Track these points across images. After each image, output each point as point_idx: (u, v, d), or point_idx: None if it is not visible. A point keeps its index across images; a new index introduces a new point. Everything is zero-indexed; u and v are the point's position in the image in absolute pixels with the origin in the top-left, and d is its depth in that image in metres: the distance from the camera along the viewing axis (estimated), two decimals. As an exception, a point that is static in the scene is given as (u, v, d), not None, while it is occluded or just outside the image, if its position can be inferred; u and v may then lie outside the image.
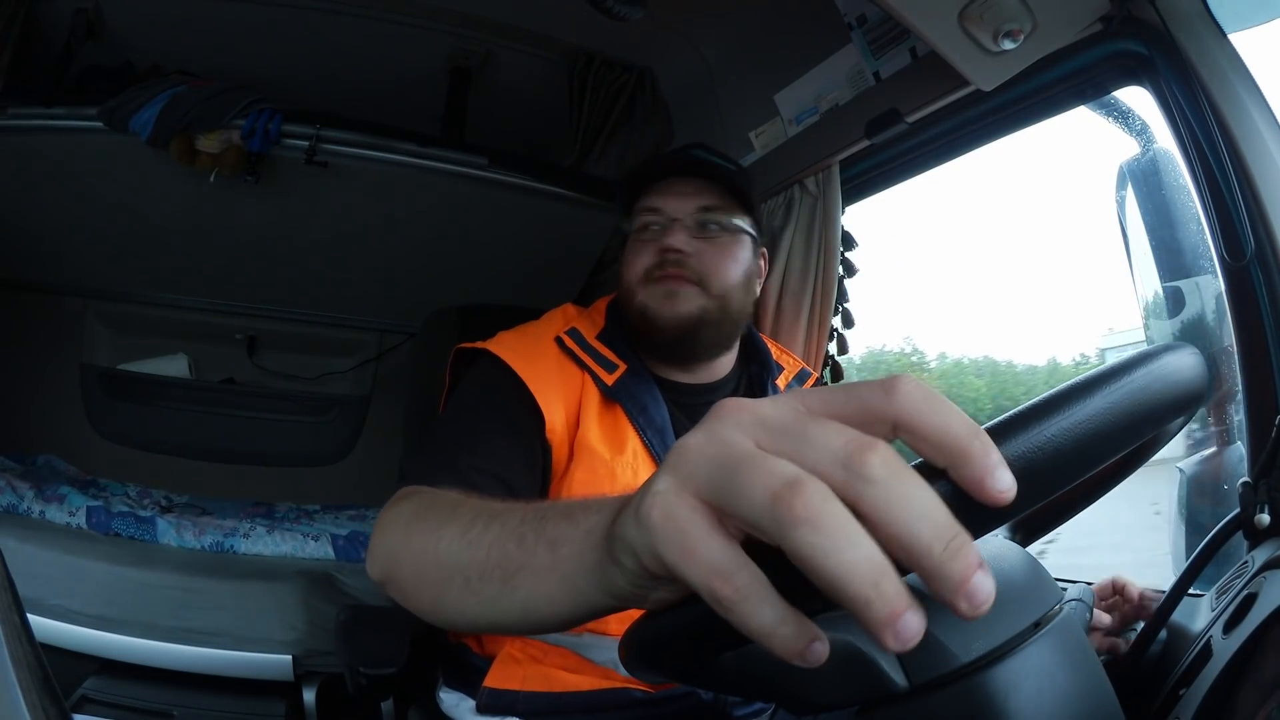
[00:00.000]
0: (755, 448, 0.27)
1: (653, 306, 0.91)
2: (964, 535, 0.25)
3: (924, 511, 0.25)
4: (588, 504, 0.39)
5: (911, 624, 0.24)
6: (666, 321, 0.90)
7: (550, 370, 0.88)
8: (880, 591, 0.24)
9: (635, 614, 0.37)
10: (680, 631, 0.35)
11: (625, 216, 0.98)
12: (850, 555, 0.24)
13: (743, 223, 0.95)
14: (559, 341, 0.92)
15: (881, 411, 0.28)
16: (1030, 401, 0.34)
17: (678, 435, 0.89)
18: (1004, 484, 0.27)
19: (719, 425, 0.29)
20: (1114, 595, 0.79)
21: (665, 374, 0.95)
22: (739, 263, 0.94)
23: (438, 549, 0.51)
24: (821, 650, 0.27)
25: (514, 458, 0.81)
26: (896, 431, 0.28)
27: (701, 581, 0.27)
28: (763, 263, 1.01)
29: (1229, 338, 0.83)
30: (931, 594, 0.25)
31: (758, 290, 1.00)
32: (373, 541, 0.64)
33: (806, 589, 0.26)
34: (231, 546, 1.70)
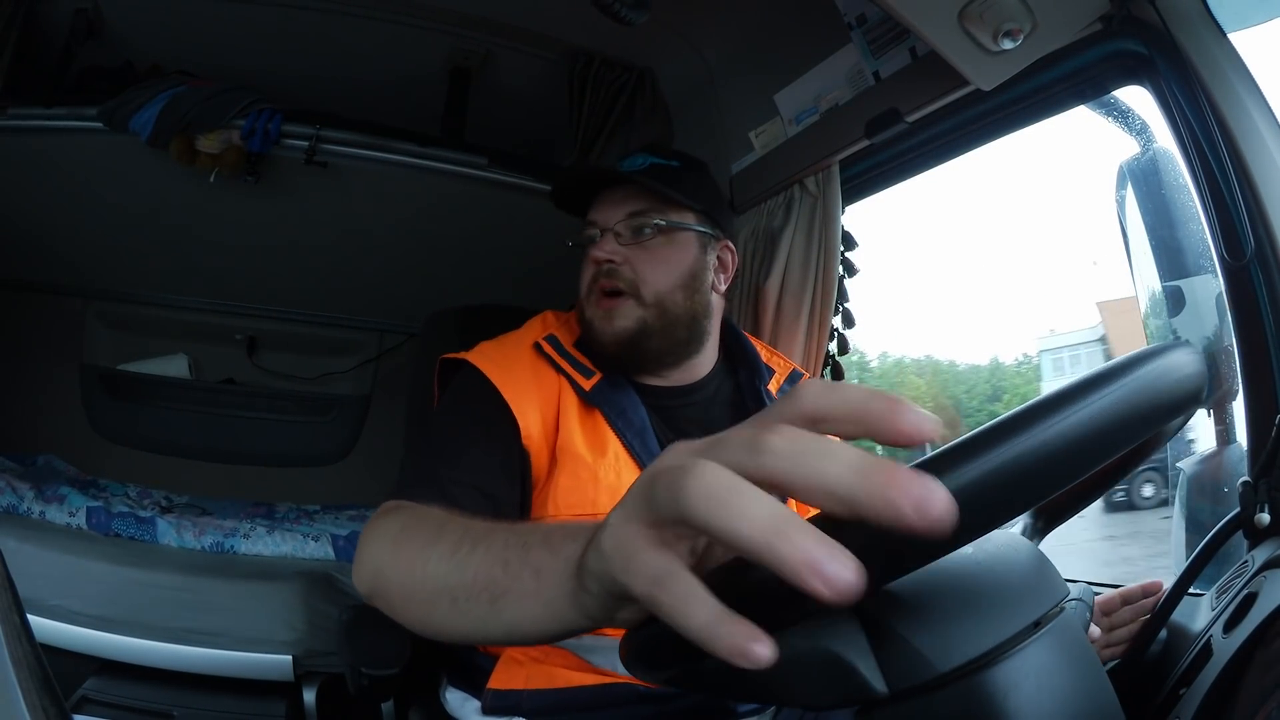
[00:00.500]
0: (681, 462, 0.30)
1: (595, 325, 0.92)
2: (882, 461, 0.26)
3: (828, 454, 0.27)
4: (565, 530, 0.42)
5: (837, 570, 0.25)
6: (608, 339, 0.91)
7: (526, 377, 0.89)
8: (787, 539, 0.25)
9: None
10: (667, 635, 0.35)
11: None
12: (747, 510, 0.26)
13: (679, 220, 0.93)
14: (537, 347, 0.92)
15: (794, 414, 0.30)
16: (1029, 402, 0.34)
17: (658, 437, 0.90)
18: (918, 421, 0.28)
19: (663, 456, 0.32)
20: (1122, 606, 0.77)
21: (639, 378, 0.95)
22: (674, 264, 0.92)
23: (425, 569, 0.53)
24: (762, 652, 0.27)
25: (492, 468, 0.82)
26: (815, 426, 0.30)
27: (643, 592, 0.30)
28: (728, 256, 0.99)
29: (1229, 338, 0.83)
30: (879, 524, 0.26)
31: (721, 286, 0.98)
32: (360, 555, 0.65)
33: (766, 599, 0.28)
34: (232, 547, 1.70)
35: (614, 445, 0.88)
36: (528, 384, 0.88)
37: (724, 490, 0.27)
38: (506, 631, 0.44)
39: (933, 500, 0.25)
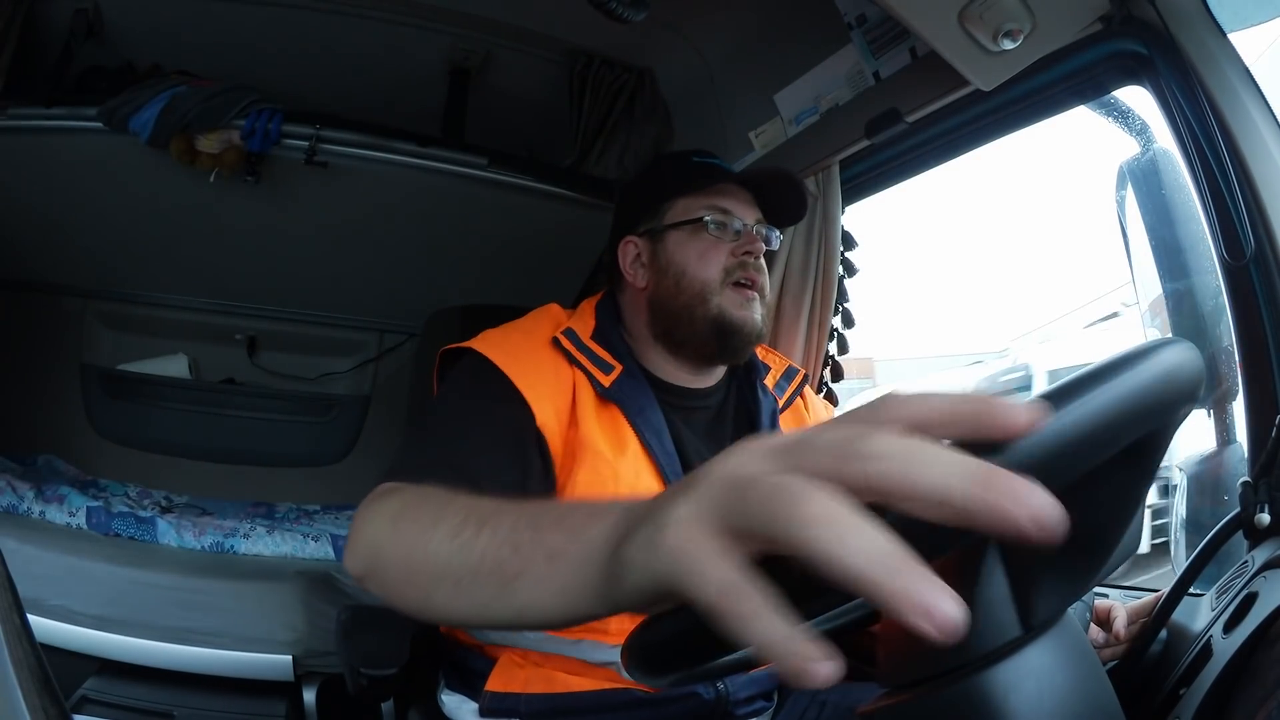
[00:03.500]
0: (767, 468, 0.29)
1: (732, 313, 0.92)
2: (992, 468, 0.25)
3: (938, 459, 0.25)
4: (584, 511, 0.39)
5: (946, 610, 0.24)
6: (751, 330, 0.92)
7: (541, 366, 0.87)
8: (900, 577, 0.24)
9: (636, 618, 0.38)
10: (672, 639, 0.36)
11: (655, 209, 0.97)
12: (863, 545, 0.25)
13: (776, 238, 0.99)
14: (555, 342, 0.91)
15: (884, 418, 0.29)
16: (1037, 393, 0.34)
17: (673, 438, 0.90)
18: (1013, 415, 0.28)
19: (733, 456, 0.31)
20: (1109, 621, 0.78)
21: (666, 376, 0.95)
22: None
23: (427, 549, 0.50)
24: (824, 672, 0.26)
25: (500, 455, 0.80)
26: (908, 431, 0.28)
27: (710, 602, 0.28)
28: None
29: (1228, 337, 0.83)
30: (990, 530, 0.25)
31: None
32: (354, 535, 0.62)
33: (817, 590, 0.27)
34: (232, 547, 1.70)
35: (633, 443, 0.87)
36: (544, 373, 0.87)
37: (838, 521, 0.25)
38: (515, 616, 0.42)
39: (1048, 511, 0.25)
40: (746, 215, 0.95)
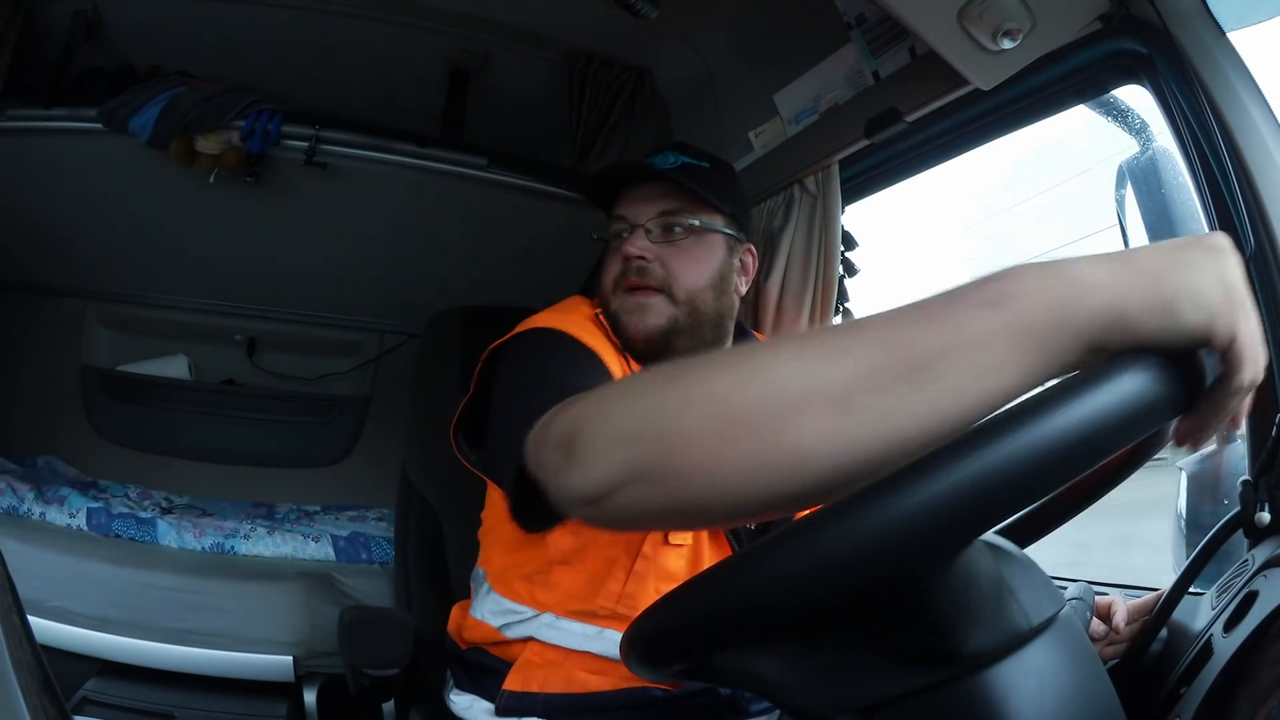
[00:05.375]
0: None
1: (623, 318, 0.92)
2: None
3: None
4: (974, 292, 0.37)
5: None
6: (637, 333, 0.91)
7: (595, 336, 0.89)
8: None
9: None
10: (669, 632, 0.36)
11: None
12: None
13: (710, 222, 0.94)
14: (597, 319, 0.93)
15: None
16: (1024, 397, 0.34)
17: None
18: None
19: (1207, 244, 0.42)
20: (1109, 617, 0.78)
21: None
22: (705, 264, 0.93)
23: (769, 380, 0.38)
24: None
25: None
26: None
27: (1255, 373, 0.39)
28: (749, 259, 1.00)
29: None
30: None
31: (742, 288, 0.99)
32: (585, 431, 0.42)
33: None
34: (232, 548, 1.70)
35: None
36: (599, 342, 0.88)
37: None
38: (930, 416, 0.35)
39: None
40: (640, 214, 0.93)
